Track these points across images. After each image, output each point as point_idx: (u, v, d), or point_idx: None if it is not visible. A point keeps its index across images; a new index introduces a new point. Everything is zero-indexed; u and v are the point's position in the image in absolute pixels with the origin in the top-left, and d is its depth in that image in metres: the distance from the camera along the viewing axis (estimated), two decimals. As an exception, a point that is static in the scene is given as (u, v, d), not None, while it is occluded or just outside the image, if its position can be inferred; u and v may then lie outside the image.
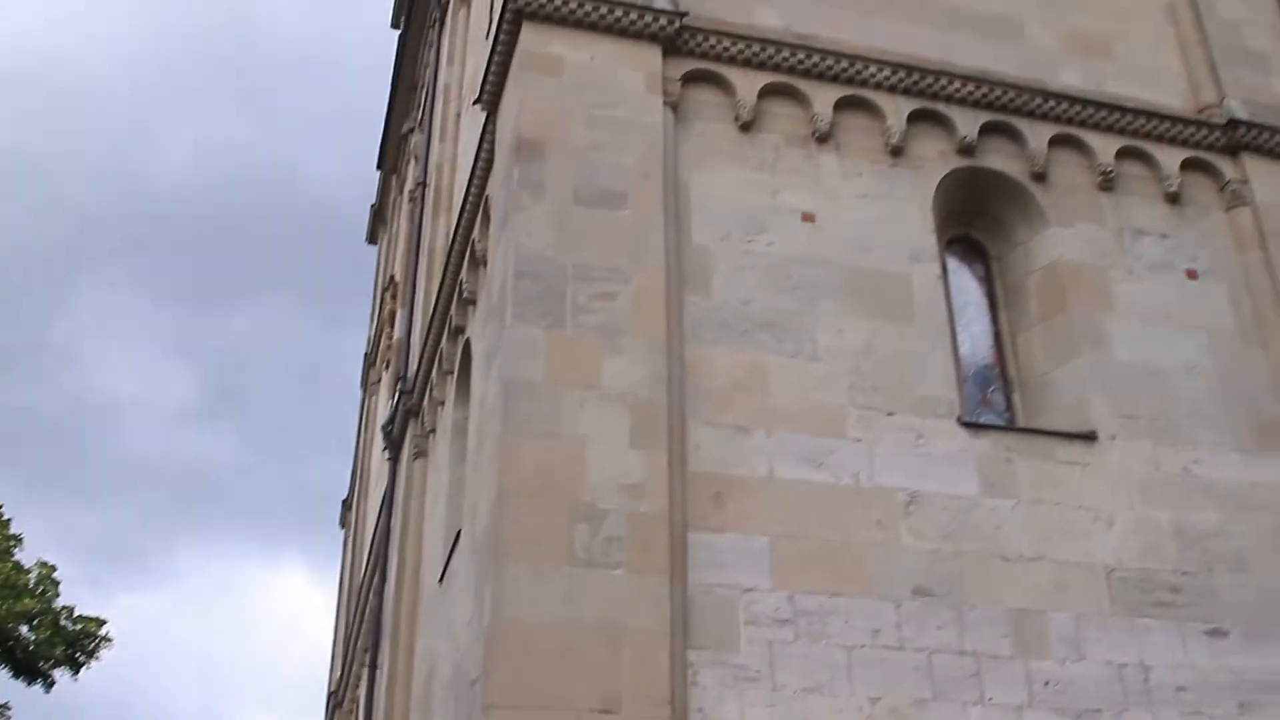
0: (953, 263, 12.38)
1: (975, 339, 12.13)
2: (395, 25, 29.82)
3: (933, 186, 12.03)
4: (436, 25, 20.86)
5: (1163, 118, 13.06)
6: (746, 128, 11.69)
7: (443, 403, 14.96)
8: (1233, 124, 13.14)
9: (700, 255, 10.95)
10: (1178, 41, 14.01)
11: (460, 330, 13.98)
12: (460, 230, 13.61)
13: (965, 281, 12.42)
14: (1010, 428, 11.40)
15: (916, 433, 10.68)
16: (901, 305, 11.27)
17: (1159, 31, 14.04)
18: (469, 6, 18.81)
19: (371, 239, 33.20)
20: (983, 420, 11.35)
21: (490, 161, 12.37)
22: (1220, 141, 13.18)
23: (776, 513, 10.00)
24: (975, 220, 12.60)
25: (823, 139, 11.84)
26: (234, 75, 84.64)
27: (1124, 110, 12.90)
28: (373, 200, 32.40)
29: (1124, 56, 13.59)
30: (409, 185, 23.02)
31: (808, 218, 11.45)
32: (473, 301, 13.33)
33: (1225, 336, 12.20)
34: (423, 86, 23.32)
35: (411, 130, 25.45)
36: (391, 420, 17.34)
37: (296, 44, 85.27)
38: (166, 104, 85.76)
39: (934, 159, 12.18)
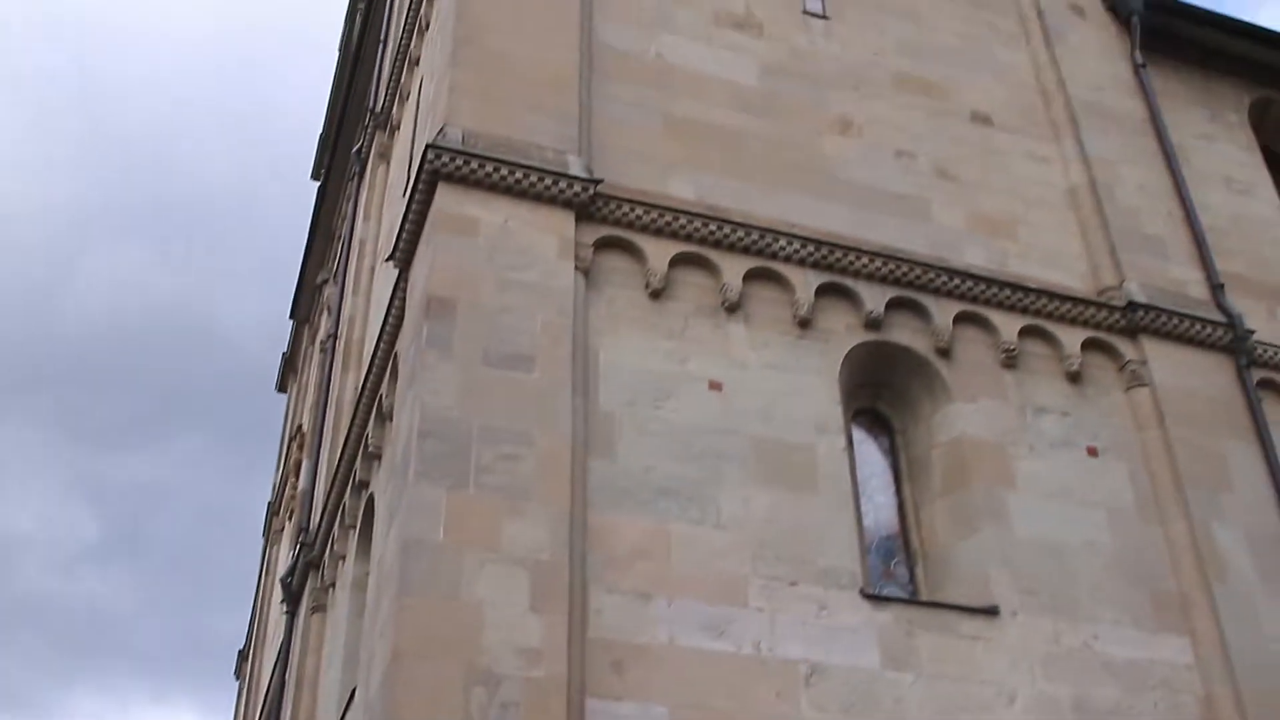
0: (858, 434, 12.46)
1: (879, 511, 12.15)
2: (315, 176, 30.00)
3: (840, 359, 12.14)
4: (356, 179, 20.97)
5: (1064, 298, 13.34)
6: (656, 295, 11.77)
7: (344, 557, 14.71)
8: (1131, 306, 13.46)
9: (606, 421, 10.93)
10: (1079, 225, 14.41)
11: (364, 485, 13.81)
12: (369, 384, 13.52)
13: (870, 453, 12.49)
14: (913, 601, 11.38)
15: (819, 603, 10.62)
16: (806, 476, 11.28)
17: (1061, 215, 14.45)
18: (388, 163, 18.95)
19: (281, 387, 32.96)
20: (885, 592, 11.32)
21: (401, 318, 12.35)
22: (1120, 323, 13.49)
23: (676, 682, 9.84)
24: (881, 393, 12.73)
25: (732, 309, 11.95)
26: (153, 217, 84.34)
27: (1026, 290, 13.18)
28: (284, 349, 32.22)
29: (1027, 238, 13.94)
30: (321, 336, 22.95)
31: (715, 386, 11.49)
32: (378, 457, 13.20)
33: (1124, 514, 12.33)
34: (339, 239, 23.37)
35: (326, 281, 25.45)
36: (291, 572, 17.02)
37: (218, 189, 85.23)
38: (85, 241, 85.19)
39: (841, 332, 12.32)
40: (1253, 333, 14.03)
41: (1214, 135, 16.78)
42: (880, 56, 14.94)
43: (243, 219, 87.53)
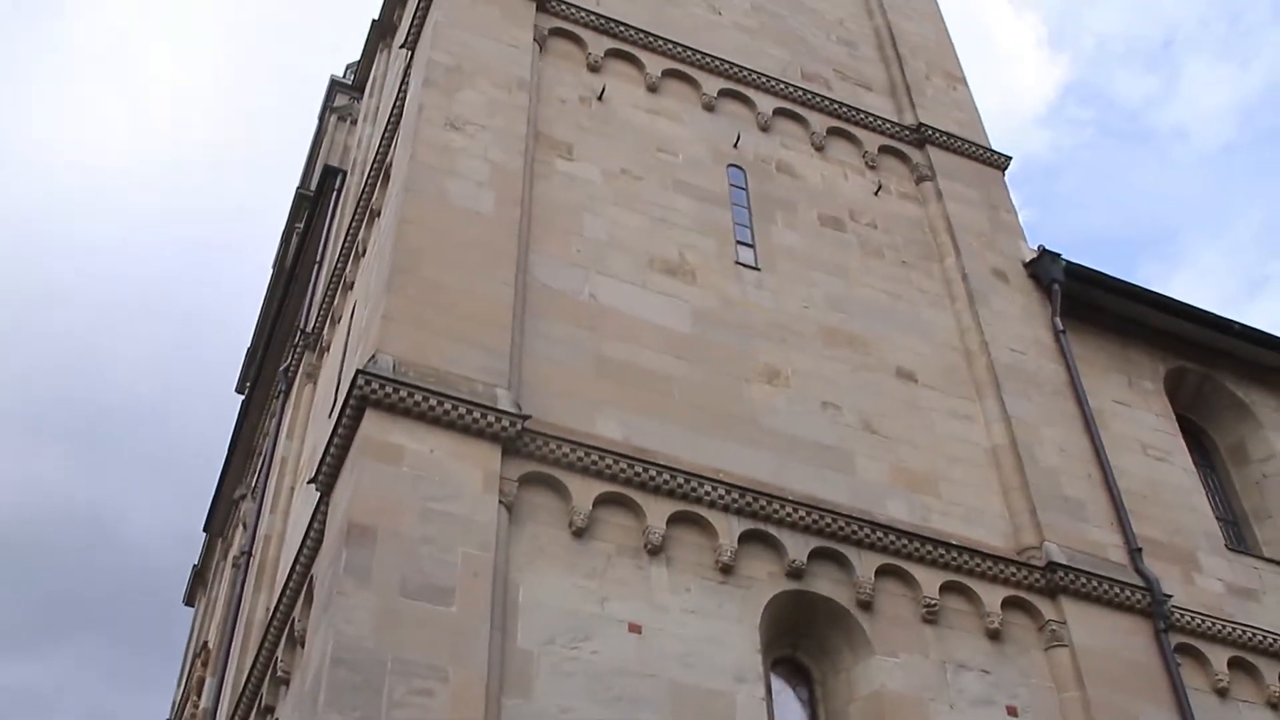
0: (777, 684, 12.30)
1: (797, 762, 11.94)
2: (240, 390, 29.90)
3: (761, 606, 12.06)
4: (281, 397, 20.89)
5: (985, 556, 13.41)
6: (579, 534, 11.69)
7: (244, 786, 14.16)
8: (1051, 567, 13.56)
9: (523, 659, 10.72)
10: (1000, 484, 14.60)
11: (270, 710, 13.38)
12: (281, 607, 13.22)
13: (789, 704, 12.31)
14: None
15: None
16: (723, 724, 11.07)
17: (983, 474, 14.63)
18: (315, 383, 18.94)
19: (189, 600, 32.21)
20: None
21: (319, 542, 12.15)
22: (1040, 583, 13.54)
23: None
24: (801, 642, 12.62)
25: (654, 551, 11.88)
26: (69, 416, 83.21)
27: (949, 546, 13.25)
28: (195, 561, 31.60)
29: (949, 494, 14.08)
30: (234, 552, 22.50)
31: (634, 629, 11.34)
32: (286, 682, 12.82)
33: (1043, 776, 12.19)
34: (260, 455, 23.17)
35: (244, 497, 25.11)
36: (185, 801, 16.35)
37: (139, 394, 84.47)
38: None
39: (763, 579, 12.26)
40: (1170, 597, 14.14)
41: (1131, 401, 17.18)
42: (809, 310, 15.27)
43: (162, 426, 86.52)
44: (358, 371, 11.62)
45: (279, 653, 13.08)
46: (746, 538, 12.36)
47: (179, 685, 28.49)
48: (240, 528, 23.80)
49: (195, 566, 31.53)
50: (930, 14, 22.63)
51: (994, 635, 13.02)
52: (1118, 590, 13.84)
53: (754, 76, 18.33)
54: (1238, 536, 17.11)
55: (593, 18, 17.68)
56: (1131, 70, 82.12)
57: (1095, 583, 13.74)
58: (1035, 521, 14.14)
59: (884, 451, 14.13)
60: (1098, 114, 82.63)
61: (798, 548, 12.49)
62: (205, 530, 30.33)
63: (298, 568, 12.69)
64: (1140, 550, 14.56)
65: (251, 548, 18.55)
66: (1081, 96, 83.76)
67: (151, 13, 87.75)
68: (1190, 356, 18.47)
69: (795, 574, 12.38)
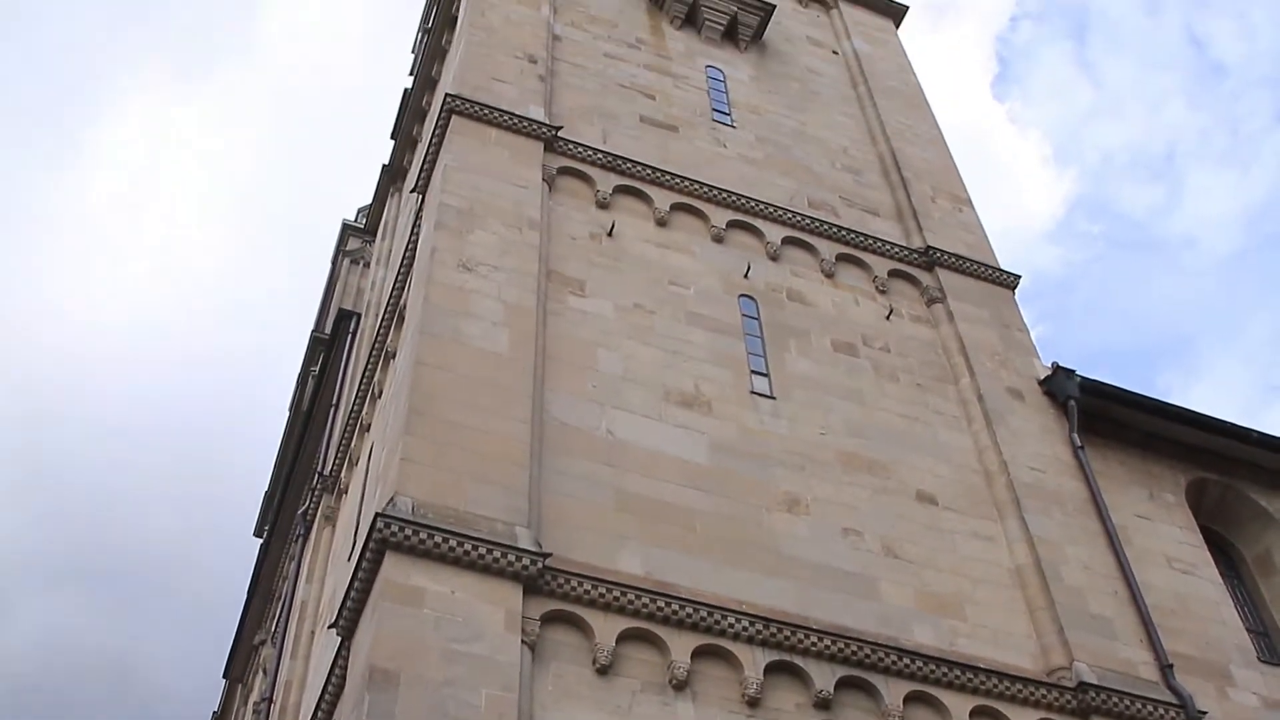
0: (809, 821, 12.10)
1: None
2: (258, 534, 29.87)
3: (789, 742, 11.92)
4: (300, 540, 20.87)
5: (1014, 679, 13.25)
6: (604, 671, 11.60)
7: None
8: (1082, 687, 13.38)
9: (550, 801, 10.59)
10: (1026, 604, 14.45)
11: None
12: (304, 756, 13.10)
13: (822, 839, 12.11)
14: None
15: None
16: None
17: (1008, 594, 14.49)
18: (333, 526, 18.93)
19: (210, 749, 31.83)
20: None
21: (341, 686, 12.07)
22: (1071, 704, 13.36)
23: None
24: (832, 776, 12.44)
25: (679, 686, 11.77)
26: (87, 563, 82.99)
27: (977, 670, 13.09)
28: (215, 708, 31.30)
29: (975, 617, 13.94)
30: (255, 698, 22.35)
31: (662, 765, 11.22)
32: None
33: None
34: (279, 599, 23.08)
35: (264, 642, 24.97)
36: None
37: (158, 539, 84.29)
38: (19, 583, 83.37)
39: (791, 711, 12.12)
40: (1205, 714, 13.93)
41: (1154, 515, 17.05)
42: (827, 436, 15.28)
43: (181, 571, 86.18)
44: (377, 515, 11.63)
45: (304, 800, 12.94)
46: (772, 669, 12.23)
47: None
48: (260, 673, 23.64)
49: (215, 713, 31.22)
50: (933, 138, 22.95)
51: (1027, 765, 12.83)
52: (1151, 708, 13.64)
53: (762, 207, 18.54)
54: (1269, 648, 16.86)
55: (600, 155, 17.95)
56: (1137, 182, 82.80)
57: (1128, 702, 13.54)
58: (1063, 641, 13.97)
59: (908, 576, 14.03)
60: (1106, 226, 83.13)
61: (824, 677, 12.36)
62: (225, 676, 30.08)
63: (320, 713, 12.60)
64: (1171, 666, 14.37)
65: (272, 694, 18.43)
66: (1089, 210, 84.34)
67: (166, 162, 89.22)
68: (1211, 467, 18.37)
69: (823, 704, 12.23)
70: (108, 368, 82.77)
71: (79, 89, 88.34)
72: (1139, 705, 13.59)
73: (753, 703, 11.96)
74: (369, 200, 27.96)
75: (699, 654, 12.05)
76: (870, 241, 19.02)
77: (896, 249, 19.16)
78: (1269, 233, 75.24)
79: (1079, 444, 16.86)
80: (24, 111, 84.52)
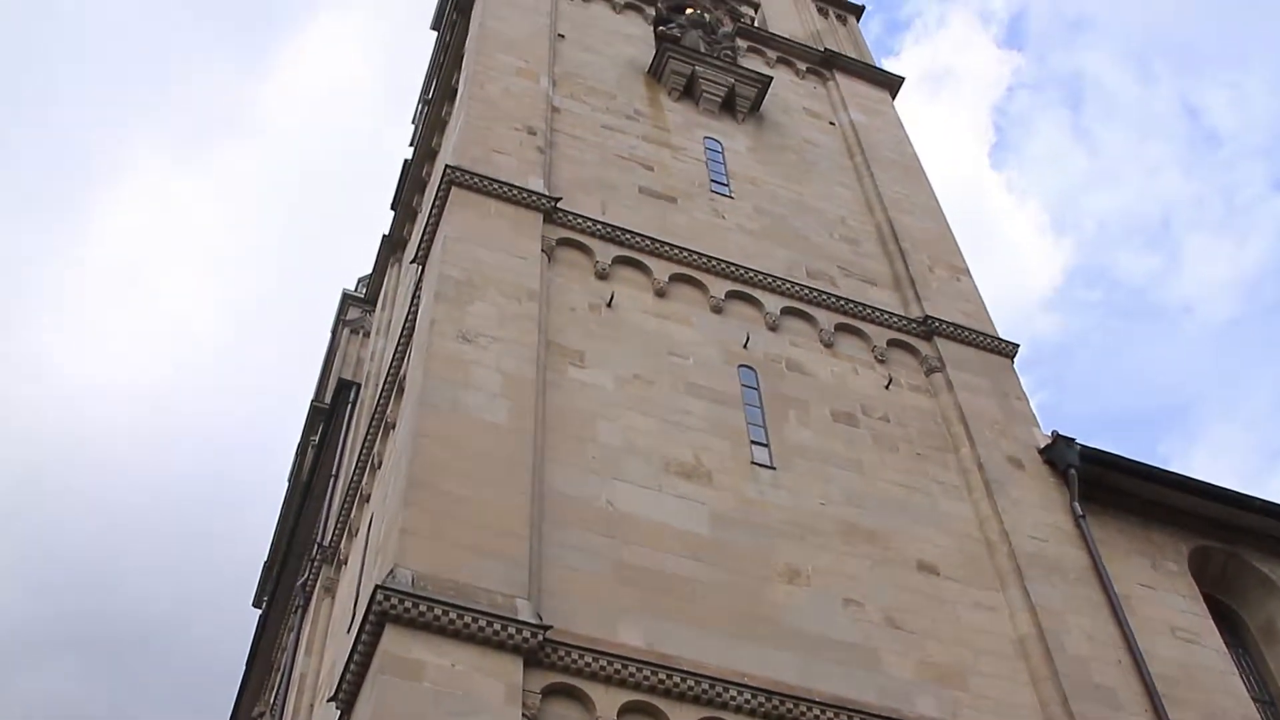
0: None
1: None
2: (257, 604, 29.74)
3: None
4: (299, 611, 20.78)
5: (1017, 751, 13.14)
6: (605, 743, 11.53)
7: None
8: (1088, 756, 13.27)
9: None
10: (1029, 675, 14.35)
11: None
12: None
13: None
14: None
15: None
16: None
17: (1011, 665, 14.40)
18: (333, 597, 18.85)
19: (207, 827, 31.52)
20: None
21: (341, 762, 11.98)
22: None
23: None
24: None
25: (683, 759, 11.69)
26: (83, 632, 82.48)
27: (981, 741, 13.00)
28: (213, 784, 31.05)
29: (978, 688, 13.85)
30: (253, 773, 22.11)
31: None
32: None
33: None
34: (278, 670, 22.94)
35: (262, 714, 24.80)
36: None
37: (154, 610, 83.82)
38: (14, 651, 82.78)
39: (793, 784, 12.03)
40: (1211, 786, 13.81)
41: (1157, 584, 16.97)
42: (827, 507, 15.25)
43: (179, 642, 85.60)
44: (377, 587, 11.58)
45: None
46: (775, 743, 12.16)
47: None
48: (260, 747, 23.44)
49: (214, 788, 30.97)
50: (930, 208, 23.06)
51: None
52: (1157, 781, 13.54)
53: (760, 277, 18.61)
54: (1276, 717, 16.75)
55: (599, 227, 18.04)
56: (1134, 249, 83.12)
57: (1133, 774, 13.45)
58: (1068, 711, 13.86)
59: (909, 647, 13.95)
60: (1104, 294, 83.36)
61: (828, 752, 12.28)
62: (224, 750, 29.82)
63: (320, 790, 12.50)
64: (1177, 737, 14.27)
65: (272, 768, 18.27)
66: (1087, 278, 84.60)
67: (166, 231, 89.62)
68: (1213, 535, 18.30)
69: (825, 776, 12.15)
70: (106, 437, 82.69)
71: (81, 160, 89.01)
72: (1145, 777, 13.50)
73: (757, 782, 11.88)
74: (369, 270, 28.06)
75: (701, 732, 11.99)
76: (869, 311, 19.08)
77: (895, 319, 19.21)
78: (1267, 299, 75.50)
79: (1080, 513, 16.81)
80: (25, 179, 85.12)
